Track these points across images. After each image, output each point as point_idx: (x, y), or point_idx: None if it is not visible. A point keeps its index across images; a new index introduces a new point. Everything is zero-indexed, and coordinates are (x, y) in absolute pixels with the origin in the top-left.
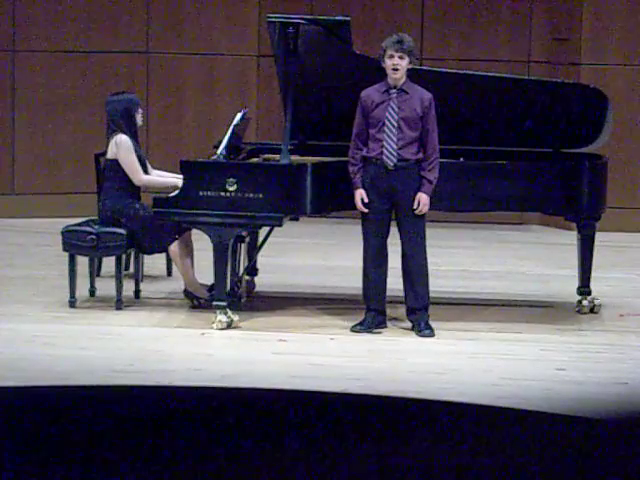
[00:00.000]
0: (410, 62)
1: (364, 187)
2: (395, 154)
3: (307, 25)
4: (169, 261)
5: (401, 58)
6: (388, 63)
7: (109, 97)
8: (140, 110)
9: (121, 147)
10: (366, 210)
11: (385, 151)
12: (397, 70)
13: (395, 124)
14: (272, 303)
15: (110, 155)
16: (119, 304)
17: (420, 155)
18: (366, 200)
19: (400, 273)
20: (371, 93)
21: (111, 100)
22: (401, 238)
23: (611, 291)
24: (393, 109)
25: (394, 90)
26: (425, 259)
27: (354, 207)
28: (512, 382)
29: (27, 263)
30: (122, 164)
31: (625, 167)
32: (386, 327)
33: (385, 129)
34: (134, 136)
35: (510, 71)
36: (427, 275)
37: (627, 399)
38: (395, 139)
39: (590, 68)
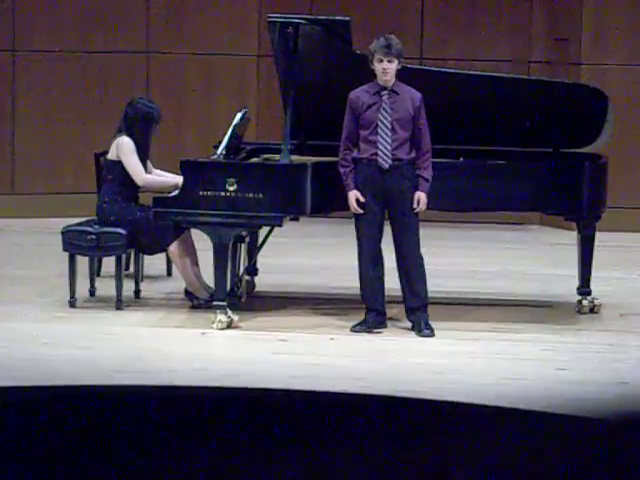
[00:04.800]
0: (399, 63)
1: (357, 188)
2: (390, 155)
3: (307, 25)
4: (169, 261)
5: (390, 62)
6: (377, 67)
7: (138, 99)
8: (157, 127)
9: (123, 149)
10: (361, 211)
11: (380, 152)
12: (387, 73)
13: (389, 125)
14: (272, 303)
15: (111, 156)
16: (119, 304)
17: (412, 154)
18: (362, 200)
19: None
20: (360, 94)
21: (138, 103)
22: (396, 238)
23: (611, 291)
24: (386, 110)
25: (385, 91)
26: (421, 258)
27: None
28: (512, 382)
29: (27, 263)
30: (125, 165)
31: (625, 167)
32: (386, 327)
33: (379, 131)
34: (142, 144)
35: (510, 71)
36: (424, 273)
37: (627, 399)
38: (390, 140)
39: (590, 68)
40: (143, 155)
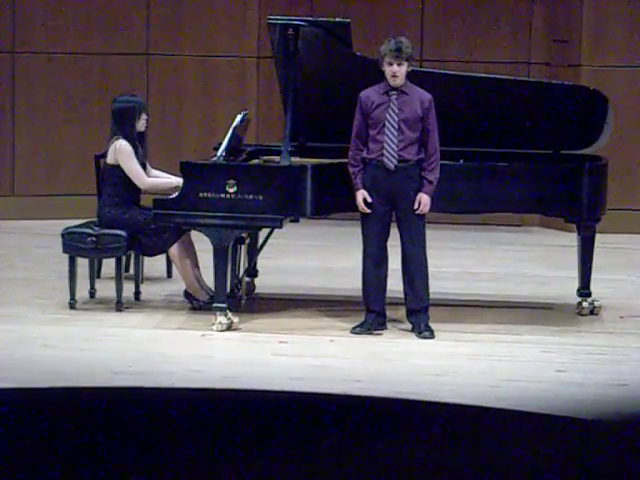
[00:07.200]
0: (409, 65)
1: (364, 188)
2: (396, 155)
3: (307, 27)
4: (169, 263)
5: (399, 65)
6: (387, 70)
7: (116, 98)
8: (144, 116)
9: (121, 153)
10: (368, 210)
11: (386, 152)
12: (397, 77)
13: (395, 125)
14: (272, 305)
15: (109, 160)
16: (119, 306)
17: (421, 155)
18: (369, 200)
19: (400, 275)
20: (370, 94)
21: (117, 101)
22: (401, 239)
23: (611, 293)
24: (393, 110)
25: (394, 91)
26: (425, 260)
27: (354, 209)
28: (512, 384)
29: (27, 265)
30: (124, 170)
31: (625, 169)
32: (386, 329)
33: (385, 130)
34: (135, 139)
35: (510, 73)
36: (427, 276)
37: (627, 401)
38: (396, 140)
39: (590, 70)
40: (142, 152)
